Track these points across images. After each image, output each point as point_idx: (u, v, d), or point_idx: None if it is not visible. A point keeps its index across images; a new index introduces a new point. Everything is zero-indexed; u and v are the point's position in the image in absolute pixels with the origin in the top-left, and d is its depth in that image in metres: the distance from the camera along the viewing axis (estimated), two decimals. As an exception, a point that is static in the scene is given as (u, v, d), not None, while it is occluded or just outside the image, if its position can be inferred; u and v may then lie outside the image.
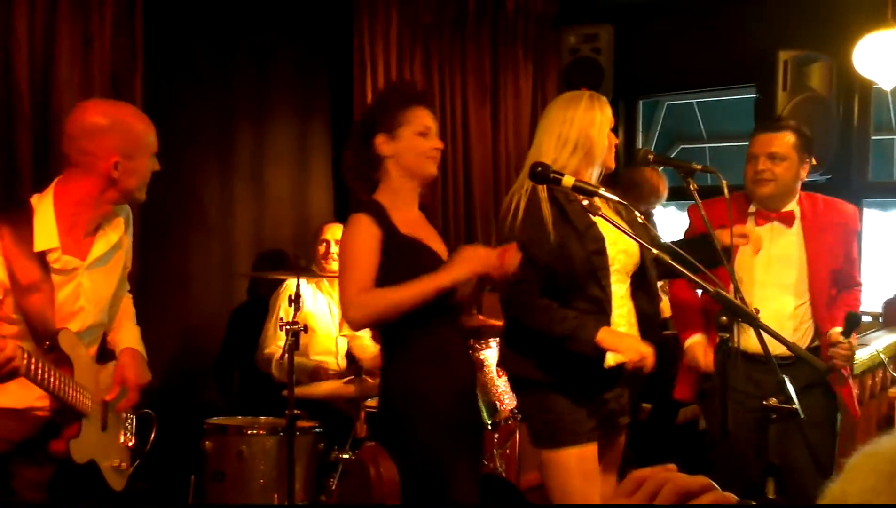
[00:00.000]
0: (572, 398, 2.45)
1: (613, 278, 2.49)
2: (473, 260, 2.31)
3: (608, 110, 2.57)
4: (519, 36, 5.04)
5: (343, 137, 4.49)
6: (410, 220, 2.48)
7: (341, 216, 4.42)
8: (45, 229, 2.13)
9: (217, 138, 4.11)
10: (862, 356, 3.71)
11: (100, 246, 2.25)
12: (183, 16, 3.82)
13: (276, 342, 3.69)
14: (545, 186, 2.43)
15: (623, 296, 2.53)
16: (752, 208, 3.05)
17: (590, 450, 2.46)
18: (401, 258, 2.38)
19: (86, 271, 2.22)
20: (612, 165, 2.60)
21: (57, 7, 3.24)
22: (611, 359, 2.42)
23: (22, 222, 2.12)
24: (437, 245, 2.50)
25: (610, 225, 2.38)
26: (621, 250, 2.51)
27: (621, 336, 2.43)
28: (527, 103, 5.12)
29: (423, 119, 2.48)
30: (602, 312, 2.45)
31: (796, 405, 2.23)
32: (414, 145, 2.45)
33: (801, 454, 2.86)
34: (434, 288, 2.29)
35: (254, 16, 4.16)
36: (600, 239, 2.47)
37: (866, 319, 4.50)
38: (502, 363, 2.67)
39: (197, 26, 3.91)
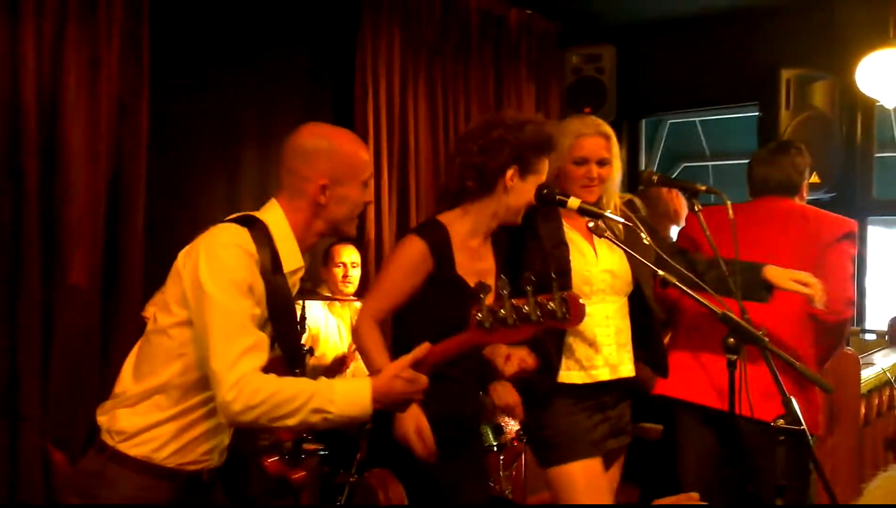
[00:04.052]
0: (571, 413, 2.47)
1: (596, 298, 2.51)
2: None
3: (563, 141, 2.54)
4: (522, 56, 5.07)
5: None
6: (472, 254, 2.43)
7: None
8: (290, 247, 1.94)
9: (223, 161, 4.12)
10: (868, 374, 3.70)
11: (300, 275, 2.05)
12: (189, 41, 3.84)
13: None
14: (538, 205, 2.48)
15: (609, 316, 2.55)
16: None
17: (594, 464, 2.48)
18: (443, 296, 2.36)
19: None
20: (588, 198, 2.51)
21: (64, 32, 3.26)
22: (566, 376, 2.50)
23: (265, 242, 1.88)
24: (487, 280, 2.45)
25: (587, 245, 2.49)
26: (605, 270, 2.54)
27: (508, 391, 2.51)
28: (530, 123, 5.13)
29: (545, 173, 2.45)
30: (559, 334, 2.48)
31: (803, 426, 2.22)
32: (529, 197, 2.41)
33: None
34: None
35: (258, 38, 4.18)
36: (565, 260, 2.48)
37: (871, 337, 4.49)
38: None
39: (202, 50, 3.93)
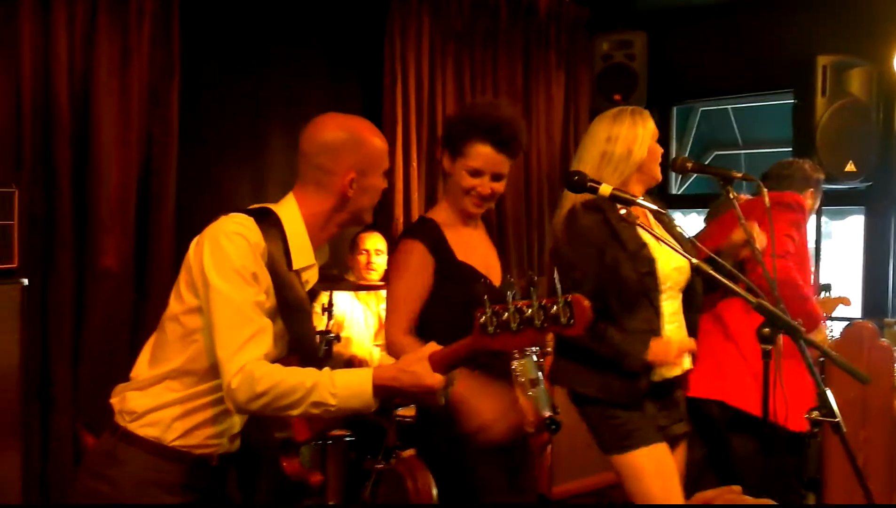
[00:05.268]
0: (632, 404, 2.46)
1: (665, 296, 2.51)
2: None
3: (650, 124, 2.58)
4: (551, 43, 5.02)
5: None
6: (466, 238, 2.42)
7: (373, 224, 4.42)
8: (302, 244, 1.93)
9: (252, 148, 4.14)
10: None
11: (314, 272, 2.04)
12: (219, 29, 3.86)
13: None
14: (596, 207, 2.44)
15: (675, 312, 2.55)
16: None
17: (661, 449, 2.47)
18: (454, 286, 2.33)
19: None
20: (658, 176, 2.59)
21: (96, 21, 3.29)
22: (663, 372, 2.47)
23: (276, 236, 1.88)
24: (492, 264, 2.46)
25: (659, 243, 2.41)
26: (675, 268, 2.53)
27: (668, 345, 2.45)
28: (559, 110, 5.09)
29: (478, 159, 2.36)
30: (653, 331, 2.46)
31: (838, 418, 2.18)
32: (459, 180, 2.39)
33: None
34: None
35: (287, 27, 4.18)
36: (651, 260, 2.47)
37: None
38: (554, 378, 2.64)
39: (232, 38, 3.94)
